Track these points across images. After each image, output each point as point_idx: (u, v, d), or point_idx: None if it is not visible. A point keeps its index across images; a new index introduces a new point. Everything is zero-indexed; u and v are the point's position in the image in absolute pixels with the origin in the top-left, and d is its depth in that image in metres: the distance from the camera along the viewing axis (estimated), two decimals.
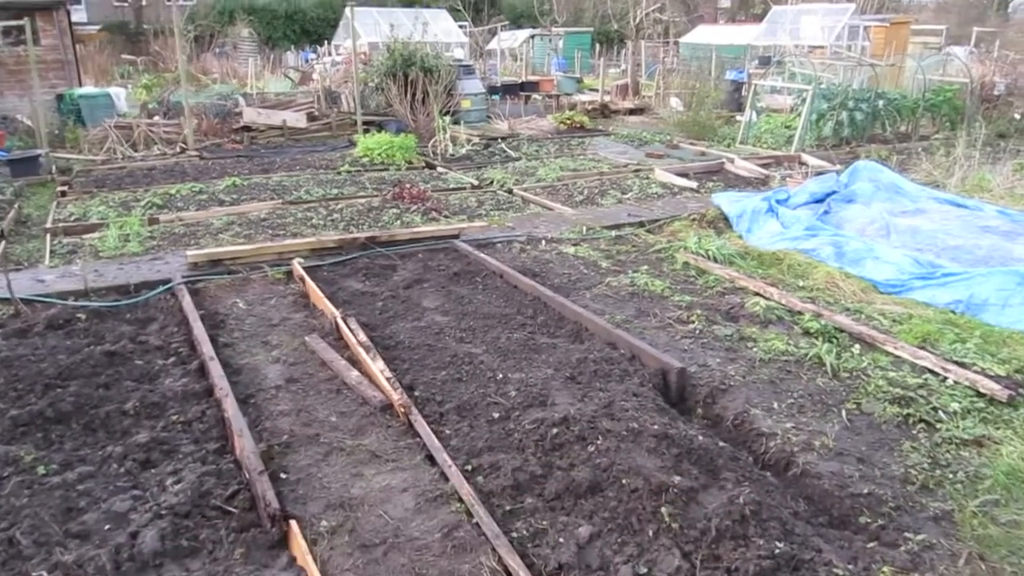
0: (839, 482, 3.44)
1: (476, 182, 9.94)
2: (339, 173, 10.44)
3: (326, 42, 27.04)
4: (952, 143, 10.99)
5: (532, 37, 27.98)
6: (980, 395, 4.21)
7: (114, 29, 31.08)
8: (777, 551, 2.88)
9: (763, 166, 10.57)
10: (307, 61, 27.67)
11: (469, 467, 3.50)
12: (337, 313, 5.03)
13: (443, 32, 23.08)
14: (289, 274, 6.15)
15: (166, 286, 5.77)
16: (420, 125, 13.09)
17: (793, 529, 3.06)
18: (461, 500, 3.23)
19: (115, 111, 13.69)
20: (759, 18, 27.18)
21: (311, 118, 14.06)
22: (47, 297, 5.48)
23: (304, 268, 6.04)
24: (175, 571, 2.86)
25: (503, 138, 13.40)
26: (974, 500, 3.34)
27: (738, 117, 14.64)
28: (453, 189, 9.55)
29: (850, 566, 2.92)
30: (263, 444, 3.61)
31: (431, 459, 3.56)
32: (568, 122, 14.93)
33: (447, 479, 3.38)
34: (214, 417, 3.88)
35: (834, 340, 4.92)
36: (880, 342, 4.88)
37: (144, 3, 34.10)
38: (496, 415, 3.90)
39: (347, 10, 15.10)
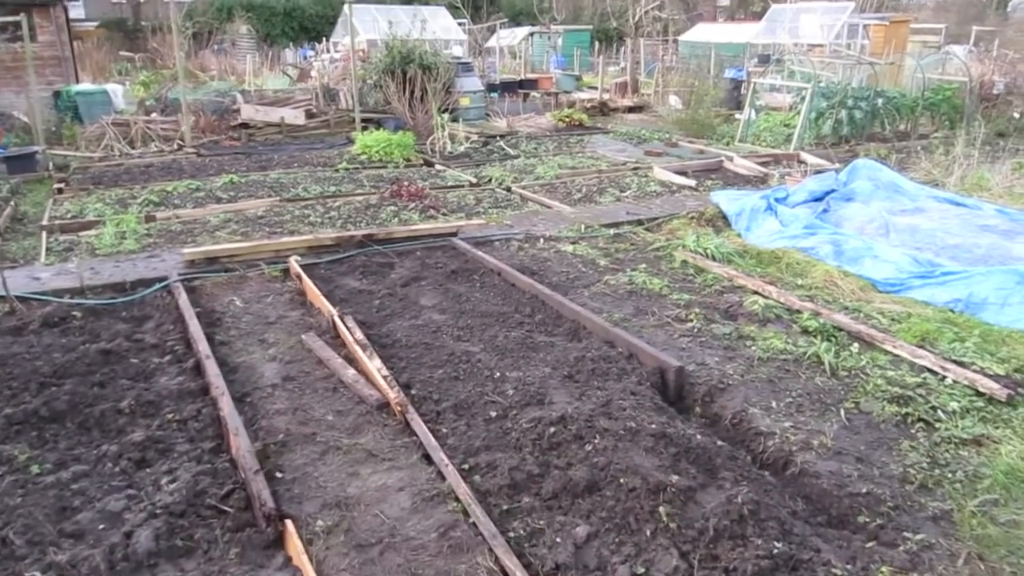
0: (838, 481, 3.43)
1: (474, 180, 9.91)
2: (337, 170, 10.41)
3: (324, 39, 26.98)
4: (951, 142, 10.98)
5: (531, 35, 27.94)
6: (979, 394, 4.20)
7: (112, 26, 31.01)
8: (775, 551, 2.87)
9: (762, 164, 10.55)
10: (305, 58, 27.62)
11: (466, 466, 3.48)
12: (334, 311, 5.01)
13: (442, 29, 23.04)
14: (286, 272, 6.13)
15: (162, 284, 5.74)
16: (418, 123, 13.06)
17: (791, 529, 3.05)
18: (458, 499, 3.21)
19: (112, 108, 13.65)
20: (758, 16, 27.15)
21: (309, 115, 14.03)
22: (43, 295, 5.46)
23: (301, 266, 6.01)
24: (170, 571, 2.84)
25: (502, 136, 13.38)
26: (973, 500, 3.32)
27: (737, 115, 14.62)
28: (451, 187, 9.53)
29: (848, 566, 2.91)
30: (259, 443, 3.59)
31: (428, 458, 3.54)
32: (567, 120, 14.90)
33: (444, 478, 3.36)
34: (210, 416, 3.86)
35: (833, 339, 4.91)
36: (879, 341, 4.87)
37: (142, 0, 34.04)
38: (493, 414, 3.88)
39: (346, 7, 15.08)
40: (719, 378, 4.35)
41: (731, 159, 10.88)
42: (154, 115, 13.24)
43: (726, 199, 8.06)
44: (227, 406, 3.78)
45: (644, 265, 6.42)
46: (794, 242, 6.88)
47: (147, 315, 5.27)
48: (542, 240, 7.10)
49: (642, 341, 4.69)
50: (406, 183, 9.05)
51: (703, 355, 4.67)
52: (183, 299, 5.33)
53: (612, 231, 7.43)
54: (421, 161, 11.31)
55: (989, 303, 5.37)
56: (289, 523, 3.01)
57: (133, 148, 11.85)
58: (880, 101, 12.91)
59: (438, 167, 10.90)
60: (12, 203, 8.39)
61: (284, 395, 4.18)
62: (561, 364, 4.41)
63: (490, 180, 9.84)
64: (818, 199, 7.99)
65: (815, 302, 5.56)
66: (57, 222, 7.62)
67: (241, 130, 13.13)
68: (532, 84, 20.30)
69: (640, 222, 7.73)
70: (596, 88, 19.47)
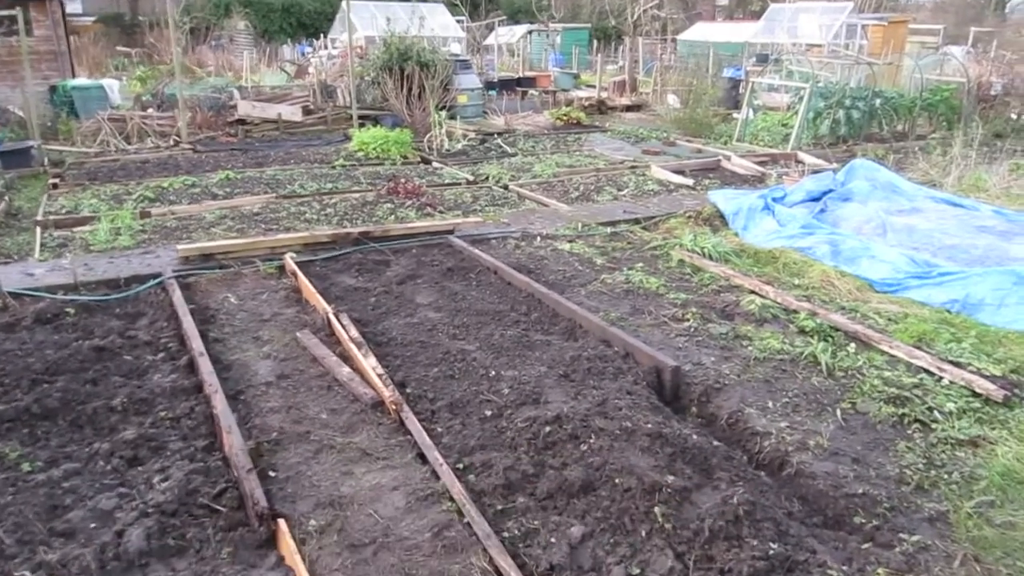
0: (834, 482, 3.42)
1: (471, 178, 9.89)
2: (334, 167, 10.38)
3: (322, 35, 26.91)
4: (949, 142, 10.98)
5: (530, 32, 27.90)
6: (976, 395, 4.19)
7: (109, 21, 30.88)
8: (771, 552, 2.85)
9: (759, 164, 10.54)
10: (303, 54, 27.54)
11: (461, 465, 3.46)
12: (329, 309, 4.98)
13: (440, 27, 22.99)
14: (281, 269, 6.10)
15: (156, 280, 5.71)
16: (416, 120, 13.02)
17: (787, 530, 3.04)
18: (452, 499, 3.19)
19: (108, 103, 13.59)
20: (757, 16, 27.16)
21: (306, 112, 13.98)
22: (36, 291, 5.42)
23: (296, 263, 5.98)
24: (161, 571, 2.82)
25: (499, 134, 13.35)
26: (969, 501, 3.31)
27: (735, 115, 14.61)
28: (448, 184, 9.50)
29: (844, 567, 2.90)
30: (252, 441, 3.56)
31: (422, 457, 3.52)
32: (565, 118, 14.87)
33: (438, 478, 3.34)
34: (203, 413, 3.84)
35: (829, 339, 4.90)
36: (875, 341, 4.86)
37: None
38: (488, 413, 3.86)
39: (344, 3, 15.03)
40: (715, 378, 4.34)
41: (729, 158, 10.87)
42: (150, 111, 13.19)
43: (723, 198, 8.04)
44: (220, 404, 3.76)
45: (641, 264, 6.40)
46: (791, 242, 6.87)
47: (141, 312, 5.24)
48: (539, 238, 7.08)
49: (638, 340, 4.67)
50: (403, 180, 9.03)
51: (699, 355, 4.66)
52: (177, 296, 5.30)
53: (609, 230, 7.41)
54: (418, 158, 11.27)
55: (986, 304, 5.37)
56: (282, 522, 2.99)
57: (129, 144, 11.80)
58: (878, 101, 12.90)
59: (435, 164, 10.87)
60: (6, 198, 8.35)
61: (278, 393, 4.15)
62: (557, 363, 4.40)
63: (487, 178, 9.81)
64: (815, 199, 7.98)
65: (812, 302, 5.55)
66: (52, 218, 7.59)
67: (238, 126, 13.08)
68: (530, 82, 20.26)
69: (637, 221, 7.72)
70: (594, 86, 19.44)
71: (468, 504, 3.13)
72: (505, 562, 2.80)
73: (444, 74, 13.72)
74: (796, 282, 6.12)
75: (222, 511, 3.09)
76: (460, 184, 9.55)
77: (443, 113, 12.62)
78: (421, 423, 3.77)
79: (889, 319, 5.33)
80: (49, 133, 12.15)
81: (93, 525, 3.00)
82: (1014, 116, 14.17)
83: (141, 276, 5.79)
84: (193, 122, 12.74)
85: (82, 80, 14.88)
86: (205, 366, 4.20)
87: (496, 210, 8.19)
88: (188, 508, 3.09)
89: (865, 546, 3.08)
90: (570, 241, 7.00)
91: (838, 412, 4.04)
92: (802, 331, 5.04)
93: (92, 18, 30.15)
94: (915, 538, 3.08)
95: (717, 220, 7.78)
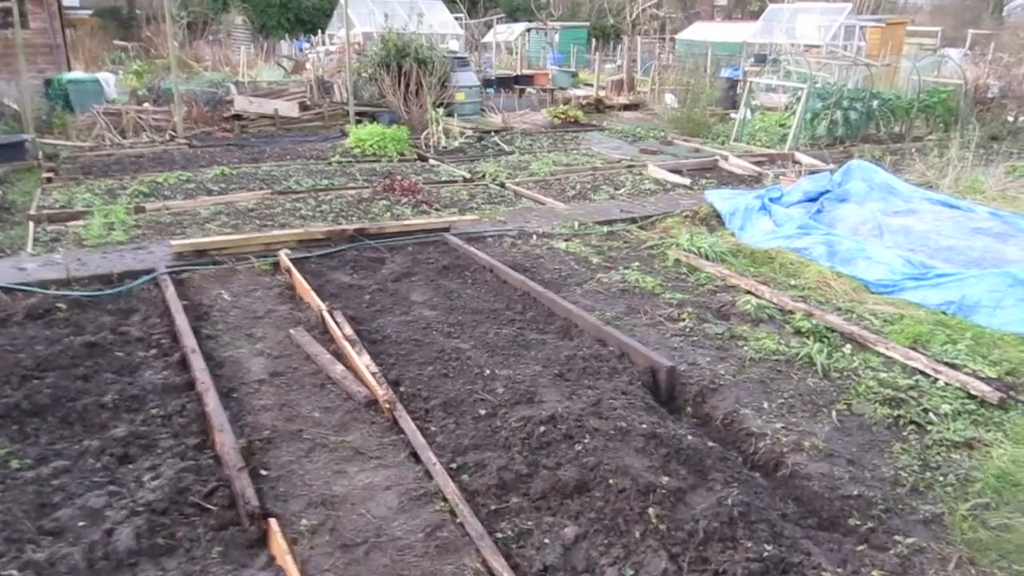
0: (829, 484, 3.40)
1: (468, 175, 9.85)
2: (330, 164, 10.34)
3: (320, 31, 26.82)
4: (946, 144, 10.98)
5: (528, 30, 27.84)
6: (971, 397, 4.18)
7: (106, 14, 30.72)
8: (766, 554, 2.84)
9: (757, 164, 10.53)
10: (301, 50, 27.45)
11: (454, 465, 3.44)
12: (323, 306, 4.95)
13: (438, 24, 22.91)
14: (276, 265, 6.06)
15: (149, 276, 5.67)
16: (413, 117, 12.98)
17: (782, 531, 3.02)
18: (445, 499, 3.17)
19: (104, 97, 13.52)
20: (755, 16, 27.16)
21: (303, 108, 13.93)
22: (28, 286, 5.37)
23: (291, 260, 5.95)
24: (150, 570, 2.79)
25: (496, 131, 13.32)
26: (964, 503, 3.31)
27: (732, 115, 14.60)
28: (445, 182, 9.47)
29: (839, 569, 2.88)
30: (244, 440, 3.53)
31: (415, 456, 3.50)
32: (562, 116, 14.85)
33: (431, 477, 3.32)
34: (194, 411, 3.80)
35: (825, 340, 4.89)
36: (871, 342, 4.85)
37: None
38: (483, 412, 3.84)
39: None
40: (711, 378, 4.32)
41: (726, 158, 10.86)
42: (146, 105, 13.12)
43: (720, 198, 8.02)
44: (212, 401, 3.73)
45: (637, 263, 6.38)
46: (788, 242, 6.86)
47: (133, 308, 5.20)
48: (535, 237, 7.05)
49: (634, 340, 4.65)
50: (399, 177, 8.99)
51: (695, 355, 4.64)
52: (170, 292, 5.26)
53: (606, 229, 7.39)
54: (415, 156, 11.24)
55: (982, 305, 5.36)
56: (273, 522, 2.96)
57: (124, 138, 11.74)
58: (875, 103, 12.90)
59: (432, 162, 10.83)
60: (0, 192, 8.28)
61: (271, 391, 4.12)
62: (552, 362, 4.37)
63: (484, 176, 9.78)
64: (812, 199, 7.97)
65: (808, 303, 5.54)
66: (45, 212, 7.53)
67: (234, 122, 13.02)
68: (528, 80, 20.22)
69: (634, 220, 7.69)
70: (592, 85, 19.41)
71: (461, 504, 3.10)
72: (498, 563, 2.78)
73: (442, 71, 13.68)
74: (792, 282, 6.11)
75: (213, 510, 3.05)
76: (457, 182, 9.52)
77: (440, 110, 12.58)
78: (415, 422, 3.74)
79: (885, 320, 5.32)
80: (44, 127, 12.08)
81: (82, 524, 2.97)
82: (1011, 118, 14.19)
83: (134, 272, 5.74)
84: (189, 117, 12.68)
85: (78, 74, 14.79)
86: (197, 363, 4.16)
87: (492, 208, 8.16)
88: (178, 507, 3.06)
89: (860, 548, 3.06)
90: (566, 240, 6.98)
91: (833, 413, 4.03)
92: (798, 332, 5.03)
93: (89, 11, 29.98)
94: (910, 540, 3.07)
95: (714, 220, 7.76)
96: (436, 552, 2.89)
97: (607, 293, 5.71)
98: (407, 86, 13.23)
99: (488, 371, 4.25)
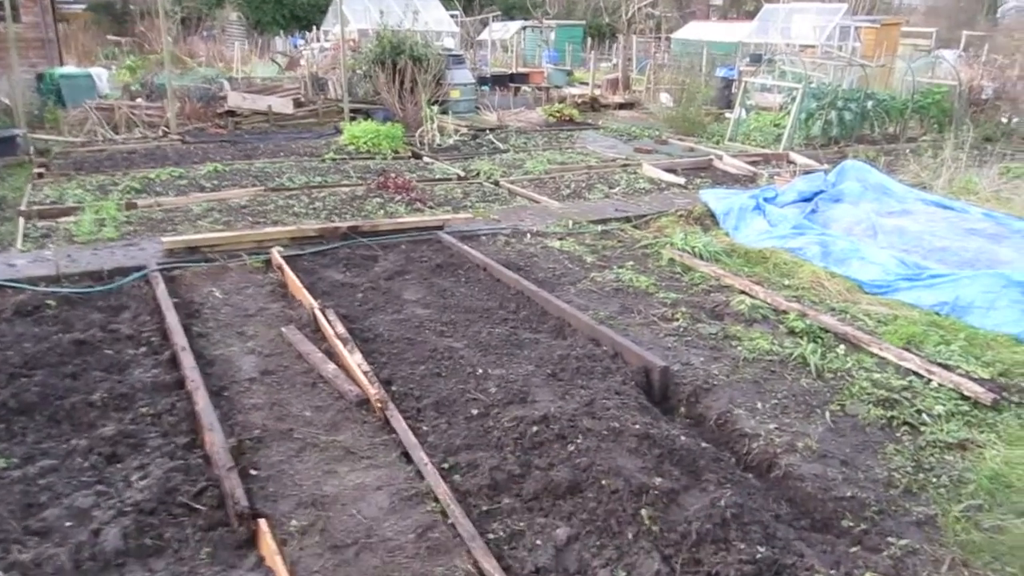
0: (822, 485, 3.39)
1: (462, 173, 9.82)
2: (323, 161, 10.29)
3: (315, 28, 26.72)
4: (940, 145, 11.00)
5: (524, 29, 27.82)
6: (964, 398, 4.18)
7: (100, 9, 30.53)
8: (759, 556, 2.82)
9: (751, 164, 10.54)
10: (296, 47, 27.35)
11: (446, 465, 3.41)
12: (315, 304, 4.92)
13: (434, 21, 22.83)
14: (268, 263, 6.02)
15: (140, 273, 5.62)
16: (408, 114, 12.94)
17: (775, 533, 3.01)
18: (437, 499, 3.15)
19: (97, 92, 13.43)
20: (751, 16, 27.18)
21: (297, 104, 13.87)
22: (17, 282, 5.32)
23: (283, 257, 5.91)
24: (138, 571, 2.76)
25: (491, 129, 13.28)
26: (957, 505, 3.30)
27: (727, 114, 14.60)
28: (439, 180, 9.44)
29: (832, 571, 2.87)
30: (233, 439, 3.50)
31: (407, 456, 3.47)
32: (557, 115, 14.83)
33: (423, 477, 3.29)
34: (184, 410, 3.76)
35: (819, 340, 4.88)
36: (865, 343, 4.84)
37: None
38: (475, 412, 3.82)
39: None
40: (704, 378, 4.31)
41: (721, 158, 10.86)
42: (139, 100, 13.05)
43: (715, 198, 8.02)
44: (202, 400, 3.69)
45: (631, 263, 6.37)
46: (782, 242, 6.85)
47: (124, 305, 5.15)
48: (529, 235, 7.03)
49: (627, 340, 4.64)
50: (393, 175, 8.95)
51: (689, 355, 4.63)
52: (161, 289, 5.22)
53: (600, 228, 7.37)
54: (409, 153, 11.20)
55: (975, 306, 5.36)
56: (263, 522, 2.93)
57: (117, 134, 11.66)
58: (870, 103, 12.92)
59: (426, 159, 10.80)
60: None
61: (262, 390, 4.09)
62: (545, 362, 4.35)
63: (478, 174, 9.75)
64: (807, 199, 7.96)
65: (802, 303, 5.53)
66: (36, 207, 7.47)
67: (227, 118, 12.95)
68: (523, 78, 20.20)
69: (628, 219, 7.68)
70: (587, 84, 19.39)
71: (453, 505, 3.08)
72: (490, 564, 2.76)
73: (437, 69, 13.65)
74: (786, 282, 6.10)
75: (201, 510, 3.02)
76: (451, 180, 9.48)
77: (435, 108, 12.55)
78: (406, 421, 3.72)
79: (879, 321, 5.32)
80: (35, 122, 11.98)
81: (69, 524, 2.93)
82: (1004, 120, 14.22)
83: (125, 268, 5.69)
84: (182, 113, 12.60)
85: (70, 68, 14.69)
86: (187, 361, 4.12)
87: (487, 206, 8.13)
88: (167, 507, 3.02)
89: (853, 550, 3.05)
90: (560, 239, 6.96)
91: (827, 414, 4.02)
92: (792, 332, 5.02)
93: (82, 6, 29.82)
94: (903, 542, 3.06)
95: (708, 219, 7.76)
96: (427, 553, 2.87)
97: (601, 292, 5.69)
98: (402, 83, 13.19)
99: (481, 370, 4.23)
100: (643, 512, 3.01)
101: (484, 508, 3.14)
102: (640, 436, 3.47)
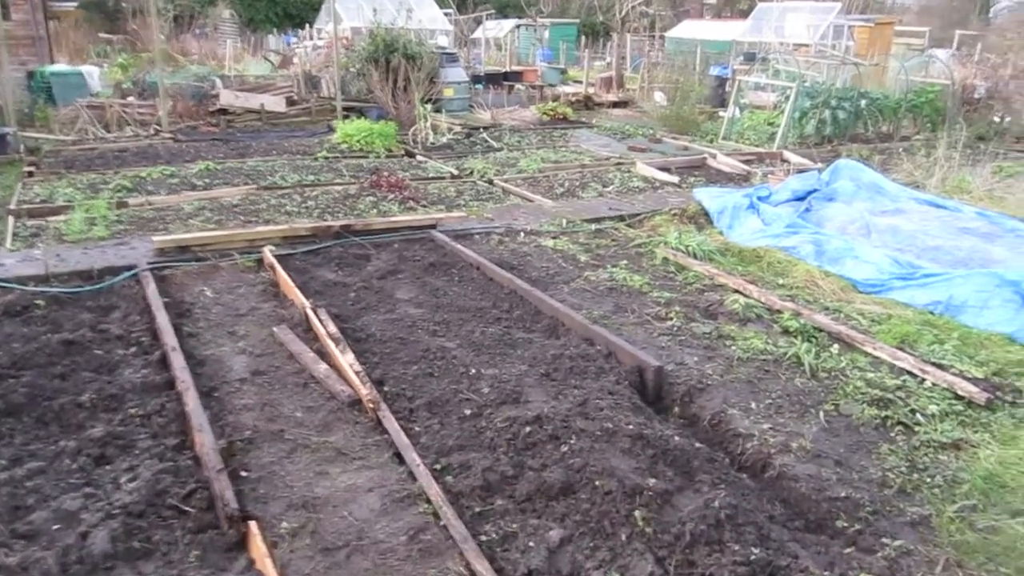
0: (816, 485, 3.38)
1: (456, 172, 9.78)
2: (316, 159, 10.24)
3: (308, 26, 26.62)
4: (933, 144, 11.02)
5: (517, 27, 27.78)
6: (958, 398, 4.18)
7: (91, 7, 30.31)
8: (753, 557, 2.81)
9: (745, 162, 10.53)
10: (289, 45, 27.24)
11: (438, 466, 3.38)
12: (307, 303, 4.89)
13: (427, 19, 22.76)
14: (259, 262, 5.98)
15: (130, 272, 5.57)
16: (401, 112, 12.89)
17: (769, 534, 2.99)
18: (429, 501, 3.12)
19: (88, 90, 13.32)
20: (745, 14, 27.21)
21: (290, 102, 13.80)
22: (5, 282, 5.26)
23: (275, 256, 5.87)
24: (126, 574, 2.72)
25: (485, 128, 13.25)
26: (952, 505, 3.29)
27: (721, 113, 14.60)
28: (432, 178, 9.40)
29: (827, 572, 2.86)
30: (224, 440, 3.46)
31: (399, 457, 3.44)
32: (551, 113, 14.81)
33: (415, 479, 3.27)
34: (174, 411, 3.73)
35: (813, 340, 4.87)
36: (859, 342, 4.84)
37: None
38: (468, 412, 3.79)
39: None
40: (698, 378, 4.29)
41: (715, 156, 10.85)
42: (131, 99, 12.94)
43: (709, 196, 8.01)
44: (192, 401, 3.66)
45: (625, 262, 6.35)
46: (776, 241, 6.85)
47: (114, 304, 5.11)
48: (522, 234, 7.00)
49: (621, 339, 4.62)
50: (386, 173, 8.91)
51: (682, 354, 4.61)
52: (151, 288, 5.17)
53: (593, 226, 7.36)
54: (403, 152, 11.16)
55: (969, 306, 5.36)
56: (253, 524, 2.90)
57: (108, 132, 11.57)
58: (863, 102, 12.94)
59: (420, 158, 10.76)
60: None
61: (253, 390, 4.05)
62: (538, 362, 4.33)
63: (472, 172, 9.72)
64: (800, 198, 7.96)
65: (796, 302, 5.52)
66: (25, 206, 7.40)
67: (219, 116, 12.88)
68: (517, 77, 20.15)
69: (622, 218, 7.66)
70: (581, 82, 19.36)
71: (445, 506, 3.05)
72: (482, 566, 2.74)
73: (430, 67, 13.60)
74: (780, 282, 6.09)
75: (191, 512, 2.99)
76: (444, 178, 9.45)
77: (429, 106, 12.50)
78: (399, 422, 3.69)
79: (872, 320, 5.32)
80: (26, 120, 11.87)
81: (56, 527, 2.89)
82: (997, 119, 14.26)
83: (115, 268, 5.64)
84: (174, 111, 12.52)
85: (61, 66, 14.58)
86: (177, 361, 4.09)
87: (480, 205, 8.10)
88: (156, 509, 2.99)
89: (847, 551, 3.04)
90: (554, 237, 6.93)
91: (821, 414, 4.01)
92: (786, 331, 5.01)
93: (74, 4, 29.59)
94: (897, 543, 3.05)
95: (702, 218, 7.75)
96: (419, 555, 2.84)
97: (595, 291, 5.67)
98: (395, 82, 13.14)
99: (474, 370, 4.20)
100: (637, 513, 2.99)
101: (477, 509, 3.12)
102: (634, 436, 3.45)
